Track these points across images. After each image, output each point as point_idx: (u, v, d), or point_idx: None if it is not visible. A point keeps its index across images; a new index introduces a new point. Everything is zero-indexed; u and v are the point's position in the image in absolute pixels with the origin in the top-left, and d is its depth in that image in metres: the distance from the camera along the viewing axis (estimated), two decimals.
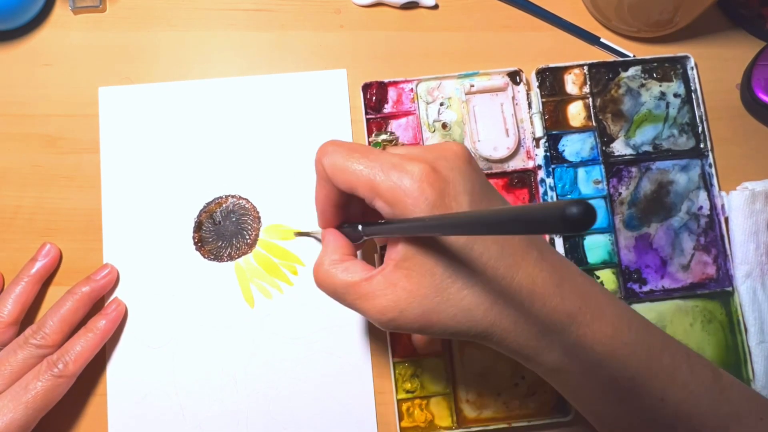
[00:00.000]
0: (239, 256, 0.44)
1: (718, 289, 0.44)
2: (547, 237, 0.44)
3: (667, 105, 0.46)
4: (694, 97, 0.46)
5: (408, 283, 0.30)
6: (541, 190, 0.45)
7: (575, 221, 0.18)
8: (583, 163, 0.45)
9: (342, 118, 0.46)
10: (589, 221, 0.18)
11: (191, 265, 0.44)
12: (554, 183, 0.45)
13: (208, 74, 0.46)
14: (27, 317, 0.42)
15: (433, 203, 0.29)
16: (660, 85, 0.46)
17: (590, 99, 0.46)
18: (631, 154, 0.45)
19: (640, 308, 0.44)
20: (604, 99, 0.46)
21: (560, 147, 0.45)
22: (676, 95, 0.46)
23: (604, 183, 0.45)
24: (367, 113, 0.45)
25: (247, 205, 0.45)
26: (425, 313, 0.30)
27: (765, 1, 0.48)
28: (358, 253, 0.41)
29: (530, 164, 0.45)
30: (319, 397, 0.43)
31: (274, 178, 0.45)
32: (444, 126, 0.45)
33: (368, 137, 0.44)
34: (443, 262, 0.29)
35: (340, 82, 0.46)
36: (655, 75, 0.46)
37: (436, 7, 0.48)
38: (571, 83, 0.46)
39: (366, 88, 0.45)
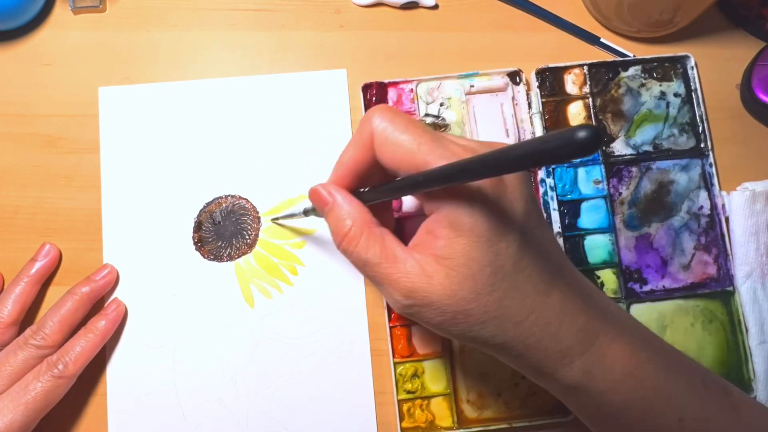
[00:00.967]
0: (239, 256, 0.44)
1: (718, 289, 0.44)
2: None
3: (668, 105, 0.46)
4: (694, 96, 0.46)
5: (447, 281, 0.28)
6: (541, 190, 0.45)
7: (586, 144, 0.18)
8: (583, 163, 0.45)
9: (342, 119, 0.46)
10: (598, 143, 0.18)
11: (191, 265, 0.44)
12: (554, 183, 0.45)
13: (208, 74, 0.46)
14: (27, 317, 0.42)
15: (492, 206, 0.27)
16: (660, 85, 0.46)
17: (590, 99, 0.46)
18: (631, 154, 0.45)
19: (641, 308, 0.44)
20: (604, 99, 0.46)
21: None
22: (676, 95, 0.46)
23: (605, 183, 0.45)
24: None
25: (246, 205, 0.45)
26: (455, 313, 0.28)
27: (765, 1, 0.48)
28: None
29: None
30: (319, 396, 0.43)
31: (274, 178, 0.45)
32: (444, 126, 0.45)
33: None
34: (490, 269, 0.28)
35: (340, 82, 0.46)
36: (655, 75, 0.46)
37: (436, 7, 0.48)
38: (571, 83, 0.46)
39: (366, 88, 0.45)
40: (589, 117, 0.46)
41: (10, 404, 0.37)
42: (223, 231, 0.44)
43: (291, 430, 0.42)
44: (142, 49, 0.46)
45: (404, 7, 0.47)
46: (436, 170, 0.26)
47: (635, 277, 0.44)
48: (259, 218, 0.45)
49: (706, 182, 0.45)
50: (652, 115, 0.46)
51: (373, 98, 0.45)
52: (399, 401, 0.42)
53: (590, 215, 0.45)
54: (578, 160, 0.45)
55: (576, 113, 0.46)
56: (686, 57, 0.46)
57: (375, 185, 0.31)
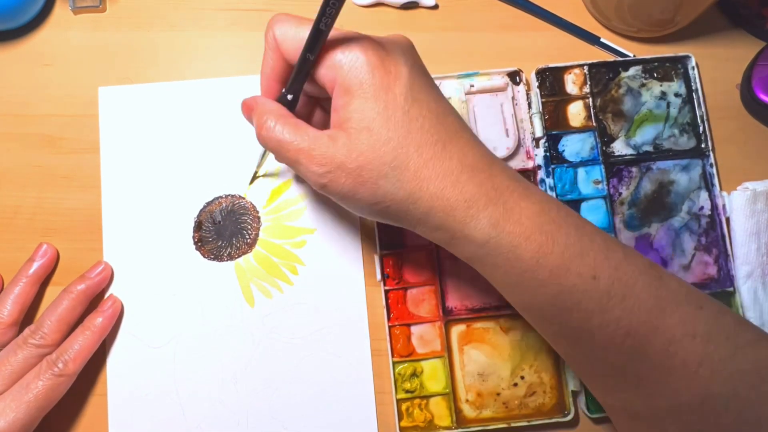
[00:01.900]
0: (239, 256, 0.44)
1: (719, 290, 0.44)
2: None
3: (668, 105, 0.46)
4: (695, 96, 0.46)
5: (347, 139, 0.32)
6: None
7: None
8: (583, 163, 0.45)
9: None
10: None
11: (191, 264, 0.44)
12: (554, 183, 0.45)
13: (208, 74, 0.46)
14: (26, 317, 0.42)
15: (374, 65, 0.32)
16: (661, 85, 0.46)
17: (590, 99, 0.46)
18: (631, 154, 0.45)
19: None
20: (604, 99, 0.46)
21: (560, 147, 0.45)
22: (677, 95, 0.46)
23: (604, 183, 0.45)
24: None
25: (246, 205, 0.45)
26: (360, 168, 0.32)
27: (765, 1, 0.48)
28: None
29: (530, 164, 0.45)
30: (319, 396, 0.43)
31: (274, 177, 0.45)
32: None
33: None
34: (381, 118, 0.31)
35: None
36: (655, 75, 0.46)
37: (436, 7, 0.48)
38: (571, 83, 0.46)
39: None
40: (589, 117, 0.46)
41: (12, 403, 0.37)
42: (223, 230, 0.44)
43: (291, 429, 0.42)
44: (142, 49, 0.46)
45: (404, 7, 0.47)
46: (311, 33, 0.32)
47: None
48: (259, 218, 0.45)
49: (707, 182, 0.45)
50: (652, 115, 0.46)
51: None
52: (398, 401, 0.42)
53: (590, 215, 0.45)
54: (578, 159, 0.45)
55: (576, 113, 0.46)
56: (687, 57, 0.46)
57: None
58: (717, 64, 0.47)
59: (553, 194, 0.44)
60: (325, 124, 0.38)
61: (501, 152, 0.45)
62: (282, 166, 0.45)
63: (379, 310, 0.44)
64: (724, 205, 0.45)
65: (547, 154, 0.45)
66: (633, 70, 0.46)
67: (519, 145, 0.45)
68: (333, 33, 0.32)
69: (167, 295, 0.43)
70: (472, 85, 0.45)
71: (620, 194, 0.45)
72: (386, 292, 0.43)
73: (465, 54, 0.47)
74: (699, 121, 0.46)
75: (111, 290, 0.43)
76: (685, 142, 0.46)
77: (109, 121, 0.45)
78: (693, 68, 0.46)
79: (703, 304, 0.33)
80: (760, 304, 0.44)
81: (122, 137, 0.45)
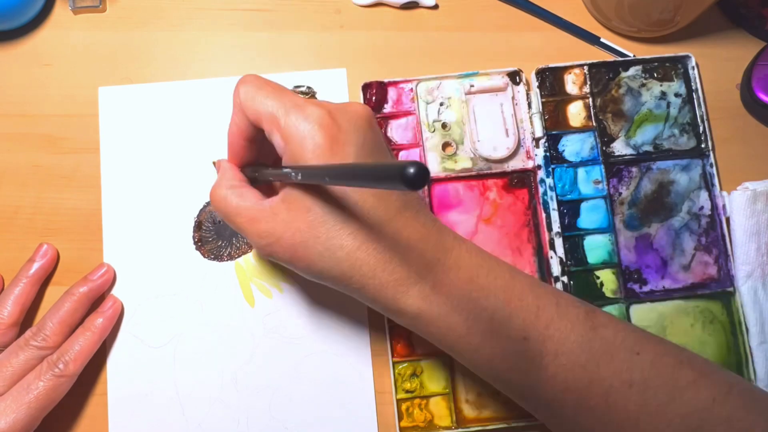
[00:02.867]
0: (239, 256, 0.44)
1: (719, 290, 0.44)
2: (547, 241, 0.44)
3: (668, 105, 0.46)
4: (695, 96, 0.46)
5: (287, 215, 0.33)
6: (540, 190, 0.45)
7: (412, 179, 0.21)
8: (583, 163, 0.45)
9: None
10: (423, 180, 0.21)
11: (191, 264, 0.44)
12: (554, 183, 0.45)
13: (208, 74, 0.46)
14: (27, 318, 0.42)
15: (323, 146, 0.32)
16: (661, 85, 0.46)
17: (590, 99, 0.46)
18: (631, 154, 0.45)
19: (641, 308, 0.44)
20: (604, 99, 0.46)
21: (560, 147, 0.45)
22: (677, 95, 0.46)
23: (604, 183, 0.45)
24: None
25: None
26: (295, 245, 0.33)
27: (765, 1, 0.48)
28: None
29: (530, 164, 0.45)
30: (319, 396, 0.43)
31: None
32: (444, 126, 0.45)
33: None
34: (321, 202, 0.32)
35: (340, 81, 0.46)
36: (655, 75, 0.46)
37: (436, 7, 0.48)
38: (571, 83, 0.46)
39: (366, 88, 0.45)
40: (589, 117, 0.46)
41: (13, 404, 0.37)
42: (224, 230, 0.44)
43: (291, 429, 0.42)
44: (142, 49, 0.46)
45: (404, 7, 0.47)
46: (285, 172, 0.32)
47: (635, 277, 0.44)
48: None
49: (707, 182, 0.45)
50: (652, 115, 0.46)
51: (373, 98, 0.45)
52: (398, 401, 0.42)
53: (590, 215, 0.45)
54: (578, 159, 0.45)
55: (576, 113, 0.46)
56: (687, 57, 0.46)
57: (251, 165, 0.38)
58: (717, 64, 0.47)
59: (553, 194, 0.44)
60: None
61: (501, 152, 0.45)
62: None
63: None
64: (724, 205, 0.45)
65: (547, 154, 0.45)
66: (633, 70, 0.46)
67: (519, 145, 0.45)
68: (292, 98, 0.34)
69: (167, 295, 0.43)
70: (472, 85, 0.45)
71: (620, 194, 0.45)
72: None
73: (465, 54, 0.47)
74: (699, 121, 0.46)
75: (112, 290, 0.43)
76: (685, 142, 0.46)
77: (109, 121, 0.45)
78: (693, 68, 0.46)
79: (641, 348, 0.34)
80: (760, 304, 0.44)
81: (122, 137, 0.45)
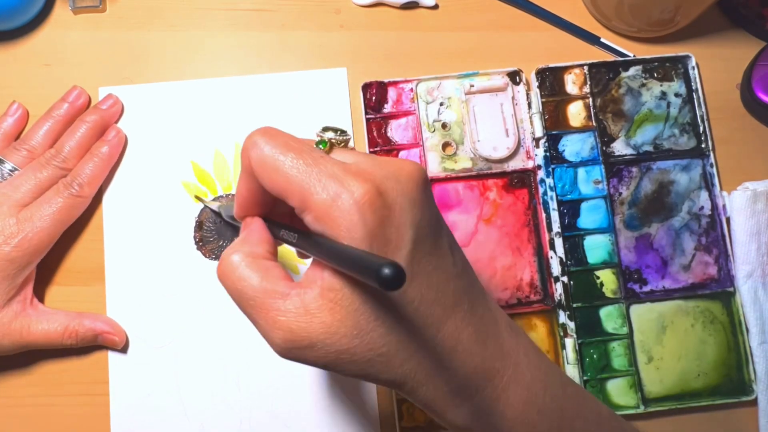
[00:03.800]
0: None
1: (719, 290, 0.44)
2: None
3: (668, 105, 0.46)
4: (695, 96, 0.46)
5: (329, 318, 0.26)
6: (540, 190, 0.45)
7: (386, 281, 0.20)
8: (583, 163, 0.45)
9: (343, 117, 0.46)
10: (398, 284, 0.20)
11: (192, 264, 0.44)
12: (554, 183, 0.45)
13: (208, 74, 0.46)
14: None
15: (372, 232, 0.25)
16: (661, 85, 0.46)
17: (590, 99, 0.46)
18: (631, 154, 0.45)
19: (641, 308, 0.44)
20: (604, 99, 0.46)
21: (560, 147, 0.45)
22: (677, 95, 0.46)
23: (605, 183, 0.45)
24: (366, 113, 0.45)
25: None
26: (339, 353, 0.26)
27: (765, 1, 0.48)
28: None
29: (530, 164, 0.45)
30: (321, 395, 0.43)
31: None
32: (444, 126, 0.45)
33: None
34: (372, 302, 0.26)
35: (341, 80, 0.46)
36: (655, 75, 0.46)
37: (436, 7, 0.48)
38: (571, 83, 0.46)
39: (366, 88, 0.45)
40: (589, 117, 0.46)
41: (38, 214, 0.40)
42: (225, 230, 0.44)
43: (293, 428, 0.42)
44: (142, 49, 0.46)
45: (404, 7, 0.47)
46: (297, 242, 0.28)
47: (635, 277, 0.44)
48: None
49: (707, 182, 0.45)
50: (652, 115, 0.46)
51: (373, 98, 0.45)
52: (398, 400, 0.42)
53: (590, 215, 0.45)
54: (578, 159, 0.45)
55: (576, 113, 0.46)
56: (687, 57, 0.46)
57: (277, 223, 0.30)
58: (717, 64, 0.47)
59: (553, 194, 0.44)
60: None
61: (501, 152, 0.45)
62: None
63: None
64: (724, 205, 0.45)
65: (547, 154, 0.45)
66: (633, 70, 0.46)
67: (519, 145, 0.45)
68: (324, 166, 0.26)
69: (169, 295, 0.43)
70: (472, 85, 0.45)
71: (620, 194, 0.45)
72: None
73: (465, 54, 0.47)
74: (699, 121, 0.46)
75: (114, 290, 0.43)
76: (685, 142, 0.46)
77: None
78: (693, 68, 0.46)
79: None
80: (760, 304, 0.44)
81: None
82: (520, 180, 0.45)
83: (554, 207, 0.44)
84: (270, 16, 0.47)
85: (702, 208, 0.45)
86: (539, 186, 0.45)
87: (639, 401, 0.43)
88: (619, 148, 0.45)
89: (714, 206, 0.45)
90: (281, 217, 0.32)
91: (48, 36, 0.46)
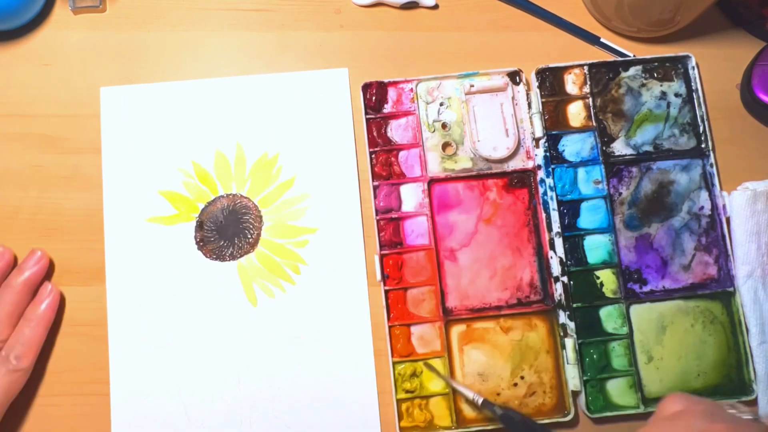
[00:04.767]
0: (241, 256, 0.44)
1: (719, 290, 0.44)
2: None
3: (668, 105, 0.46)
4: (695, 96, 0.46)
5: None
6: (540, 190, 0.45)
7: None
8: (583, 163, 0.45)
9: (344, 117, 0.46)
10: None
11: (193, 264, 0.44)
12: (554, 183, 0.45)
13: (208, 74, 0.46)
14: None
15: None
16: (661, 85, 0.46)
17: (590, 99, 0.46)
18: (631, 154, 0.45)
19: (641, 308, 0.44)
20: (604, 99, 0.46)
21: (560, 147, 0.45)
22: (677, 95, 0.46)
23: (604, 183, 0.45)
24: (366, 113, 0.45)
25: (248, 204, 0.45)
26: None
27: (765, 1, 0.48)
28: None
29: (530, 164, 0.45)
30: (322, 396, 0.43)
31: (276, 177, 0.45)
32: (444, 126, 0.45)
33: None
34: None
35: (342, 80, 0.46)
36: (655, 75, 0.46)
37: (436, 7, 0.48)
38: (571, 83, 0.46)
39: (366, 88, 0.45)
40: (589, 117, 0.46)
41: None
42: (225, 230, 0.44)
43: (294, 428, 0.42)
44: (142, 49, 0.46)
45: (404, 7, 0.47)
46: None
47: (635, 277, 0.44)
48: (261, 217, 0.45)
49: (707, 182, 0.45)
50: (652, 115, 0.46)
51: (373, 98, 0.45)
52: (398, 401, 0.42)
53: (590, 215, 0.45)
54: (578, 159, 0.45)
55: (576, 113, 0.46)
56: (687, 57, 0.46)
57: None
58: (717, 64, 0.47)
59: (553, 194, 0.44)
60: None
61: (501, 152, 0.45)
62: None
63: (379, 310, 0.44)
64: (724, 205, 0.45)
65: (547, 154, 0.45)
66: (633, 70, 0.46)
67: (519, 145, 0.45)
68: None
69: (170, 295, 0.43)
70: (472, 85, 0.45)
71: (620, 194, 0.45)
72: (386, 292, 0.43)
73: (465, 54, 0.47)
74: (699, 121, 0.46)
75: (114, 291, 0.43)
76: (685, 142, 0.46)
77: (110, 121, 0.45)
78: (693, 68, 0.46)
79: None
80: (760, 304, 0.44)
81: (124, 137, 0.45)
82: (520, 180, 0.45)
83: (554, 207, 0.44)
84: (270, 16, 0.47)
85: (702, 208, 0.45)
86: (539, 186, 0.45)
87: (639, 401, 0.43)
88: (619, 148, 0.45)
89: (714, 206, 0.45)
90: None
91: (48, 36, 0.46)
